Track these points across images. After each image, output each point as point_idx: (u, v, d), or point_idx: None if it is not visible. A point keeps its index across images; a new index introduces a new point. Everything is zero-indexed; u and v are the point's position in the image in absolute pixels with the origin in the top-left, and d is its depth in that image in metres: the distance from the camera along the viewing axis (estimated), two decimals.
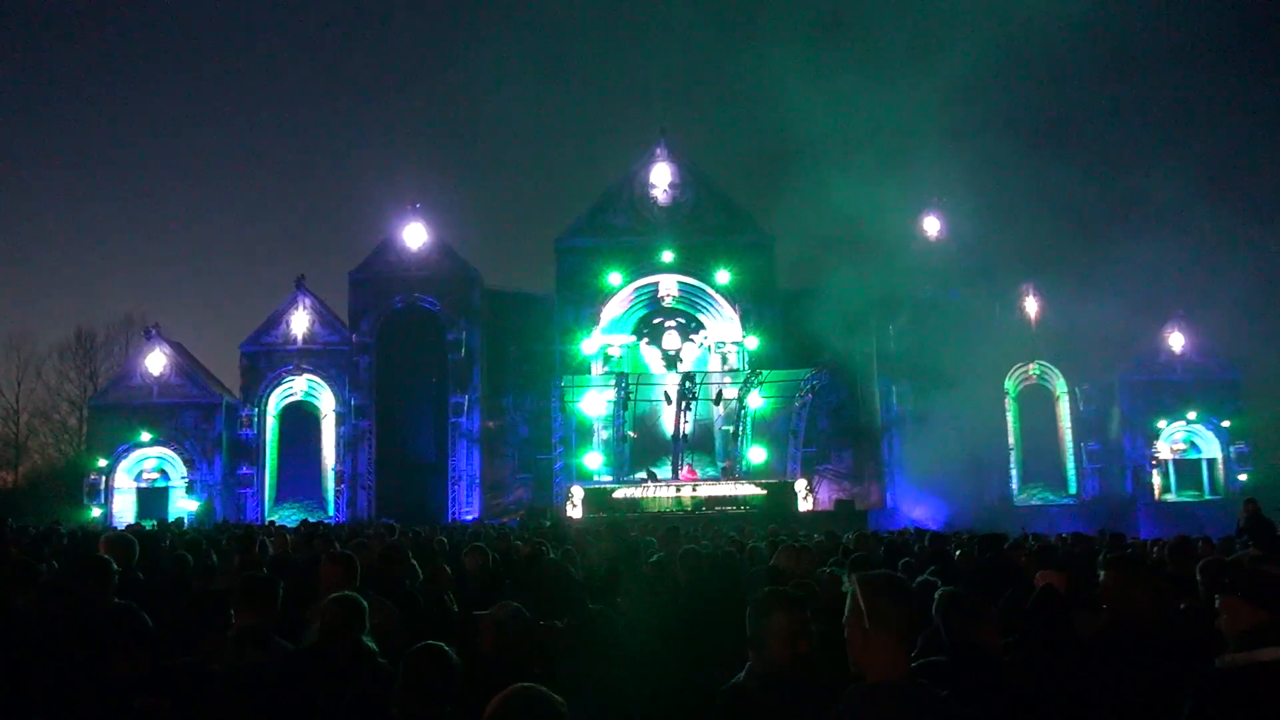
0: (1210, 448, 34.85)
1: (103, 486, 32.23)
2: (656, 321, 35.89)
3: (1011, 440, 34.15)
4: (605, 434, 33.84)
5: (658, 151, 35.54)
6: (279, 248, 73.62)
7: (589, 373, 33.89)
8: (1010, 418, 34.31)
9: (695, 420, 32.03)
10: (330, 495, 33.14)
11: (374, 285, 33.82)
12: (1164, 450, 34.44)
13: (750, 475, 32.19)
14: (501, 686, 2.57)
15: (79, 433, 40.95)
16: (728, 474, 32.30)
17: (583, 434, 34.04)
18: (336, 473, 33.01)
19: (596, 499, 28.43)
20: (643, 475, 30.43)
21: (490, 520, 28.18)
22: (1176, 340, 34.55)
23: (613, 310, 35.41)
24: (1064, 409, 34.87)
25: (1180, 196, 30.20)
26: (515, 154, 79.64)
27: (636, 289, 35.45)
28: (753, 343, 34.45)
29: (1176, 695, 3.20)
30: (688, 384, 30.46)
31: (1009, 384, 34.32)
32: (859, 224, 33.50)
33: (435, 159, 74.05)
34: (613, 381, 31.24)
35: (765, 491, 29.14)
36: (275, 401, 34.04)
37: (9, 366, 43.79)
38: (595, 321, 34.83)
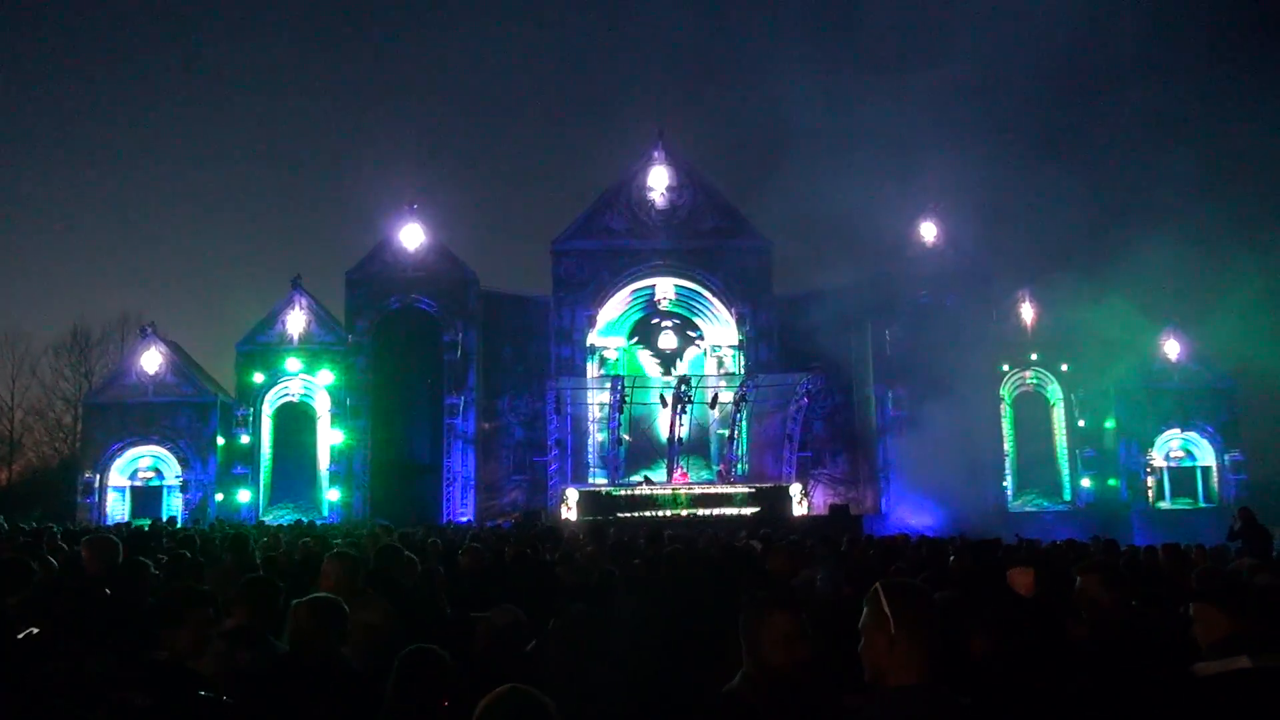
0: (1205, 455, 34.92)
1: (97, 485, 32.15)
2: (654, 322, 35.92)
3: (1007, 446, 34.14)
4: (601, 437, 33.83)
5: (655, 154, 35.54)
6: (276, 247, 73.67)
7: (585, 375, 33.88)
8: (1005, 424, 34.32)
9: (691, 424, 32.03)
10: (324, 496, 33.08)
11: (370, 286, 33.76)
12: (1158, 458, 34.51)
13: (745, 479, 32.22)
14: (490, 689, 2.56)
15: (74, 431, 40.86)
16: (723, 478, 32.32)
17: (578, 436, 34.02)
18: (331, 473, 32.94)
19: (591, 502, 28.42)
20: (638, 479, 30.40)
21: (488, 523, 28.18)
22: (1172, 348, 34.62)
23: (609, 313, 35.42)
24: (1059, 415, 34.90)
25: (1177, 204, 30.31)
26: (513, 155, 79.73)
27: (633, 292, 35.46)
28: (749, 346, 34.47)
29: (1150, 703, 3.18)
30: (683, 387, 30.47)
31: (1004, 390, 34.33)
32: (856, 228, 33.64)
33: (433, 160, 74.06)
34: (608, 384, 31.23)
35: (760, 495, 29.15)
36: (271, 401, 33.97)
37: (4, 363, 43.71)
38: (591, 324, 34.83)
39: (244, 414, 32.99)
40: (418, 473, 33.40)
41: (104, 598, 5.18)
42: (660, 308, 35.58)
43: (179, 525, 23.09)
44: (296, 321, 33.62)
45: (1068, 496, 34.34)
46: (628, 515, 25.99)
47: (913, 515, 29.90)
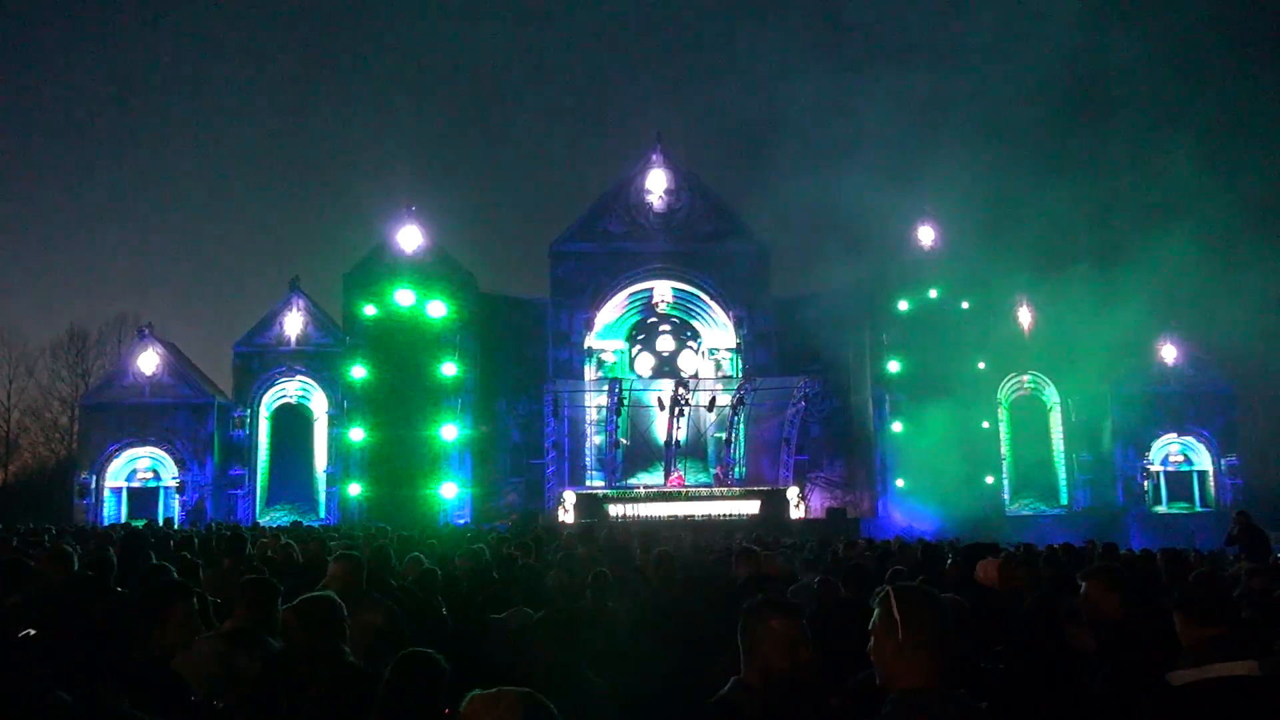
0: (1202, 460, 34.95)
1: (93, 486, 32.07)
2: (650, 323, 35.91)
3: (1003, 450, 34.15)
4: (598, 439, 33.80)
5: (653, 157, 35.53)
6: (273, 249, 73.56)
7: (582, 378, 33.84)
8: (1003, 427, 34.33)
9: (688, 427, 32.02)
10: (321, 497, 33.01)
11: (369, 287, 33.70)
12: (1154, 462, 34.54)
13: (742, 482, 32.21)
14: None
15: (70, 432, 40.81)
16: (720, 481, 32.30)
17: (576, 439, 33.98)
18: (328, 475, 32.88)
19: (588, 504, 28.40)
20: (636, 483, 30.38)
21: (485, 525, 28.12)
22: (1169, 352, 34.65)
23: (607, 316, 35.39)
24: (1056, 419, 34.92)
25: (1175, 208, 30.32)
26: (511, 158, 79.73)
27: (631, 294, 35.45)
28: (746, 349, 34.47)
29: (1134, 711, 3.16)
30: (681, 390, 30.46)
31: (1001, 394, 34.34)
32: (854, 231, 33.66)
33: (431, 162, 74.08)
34: (606, 387, 31.20)
35: (757, 498, 29.14)
36: (268, 403, 33.93)
37: (0, 364, 43.68)
38: (589, 327, 34.80)
39: (241, 415, 32.93)
40: (415, 475, 33.30)
41: (104, 599, 5.17)
42: (658, 310, 35.57)
43: (175, 527, 23.04)
44: (294, 323, 33.57)
45: (1064, 500, 34.36)
46: (622, 518, 26.01)
47: (910, 519, 29.92)
